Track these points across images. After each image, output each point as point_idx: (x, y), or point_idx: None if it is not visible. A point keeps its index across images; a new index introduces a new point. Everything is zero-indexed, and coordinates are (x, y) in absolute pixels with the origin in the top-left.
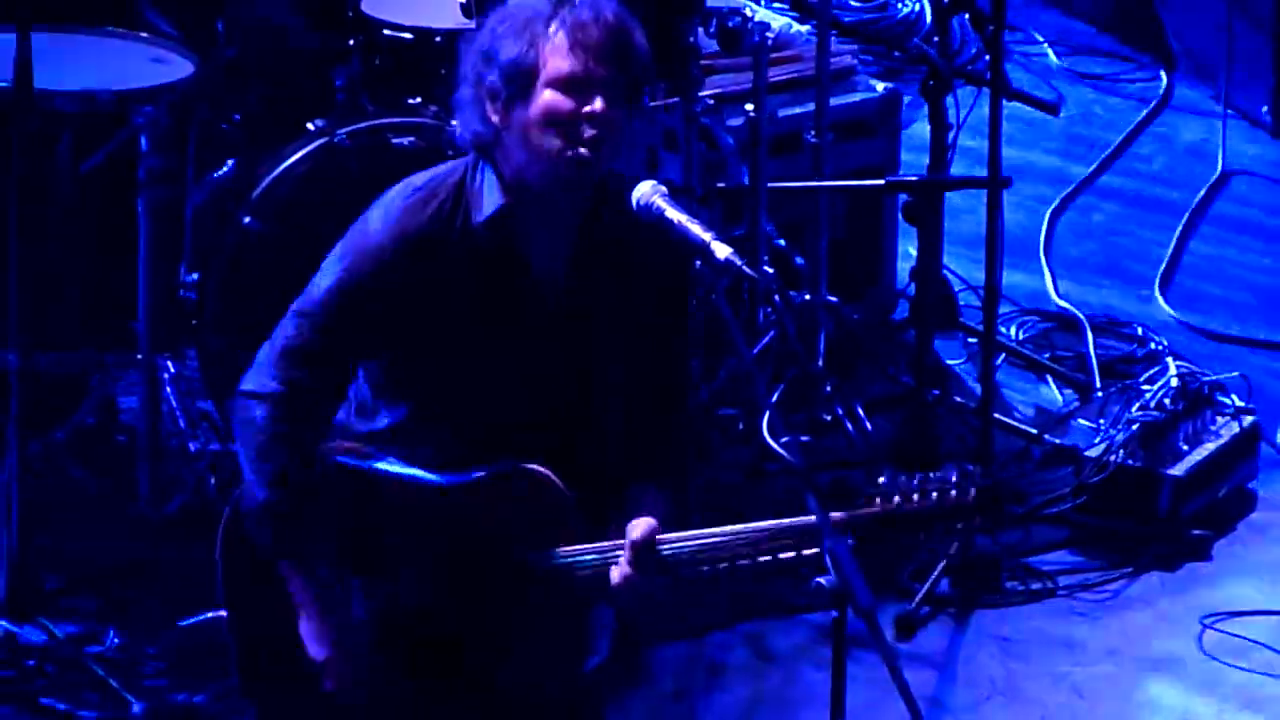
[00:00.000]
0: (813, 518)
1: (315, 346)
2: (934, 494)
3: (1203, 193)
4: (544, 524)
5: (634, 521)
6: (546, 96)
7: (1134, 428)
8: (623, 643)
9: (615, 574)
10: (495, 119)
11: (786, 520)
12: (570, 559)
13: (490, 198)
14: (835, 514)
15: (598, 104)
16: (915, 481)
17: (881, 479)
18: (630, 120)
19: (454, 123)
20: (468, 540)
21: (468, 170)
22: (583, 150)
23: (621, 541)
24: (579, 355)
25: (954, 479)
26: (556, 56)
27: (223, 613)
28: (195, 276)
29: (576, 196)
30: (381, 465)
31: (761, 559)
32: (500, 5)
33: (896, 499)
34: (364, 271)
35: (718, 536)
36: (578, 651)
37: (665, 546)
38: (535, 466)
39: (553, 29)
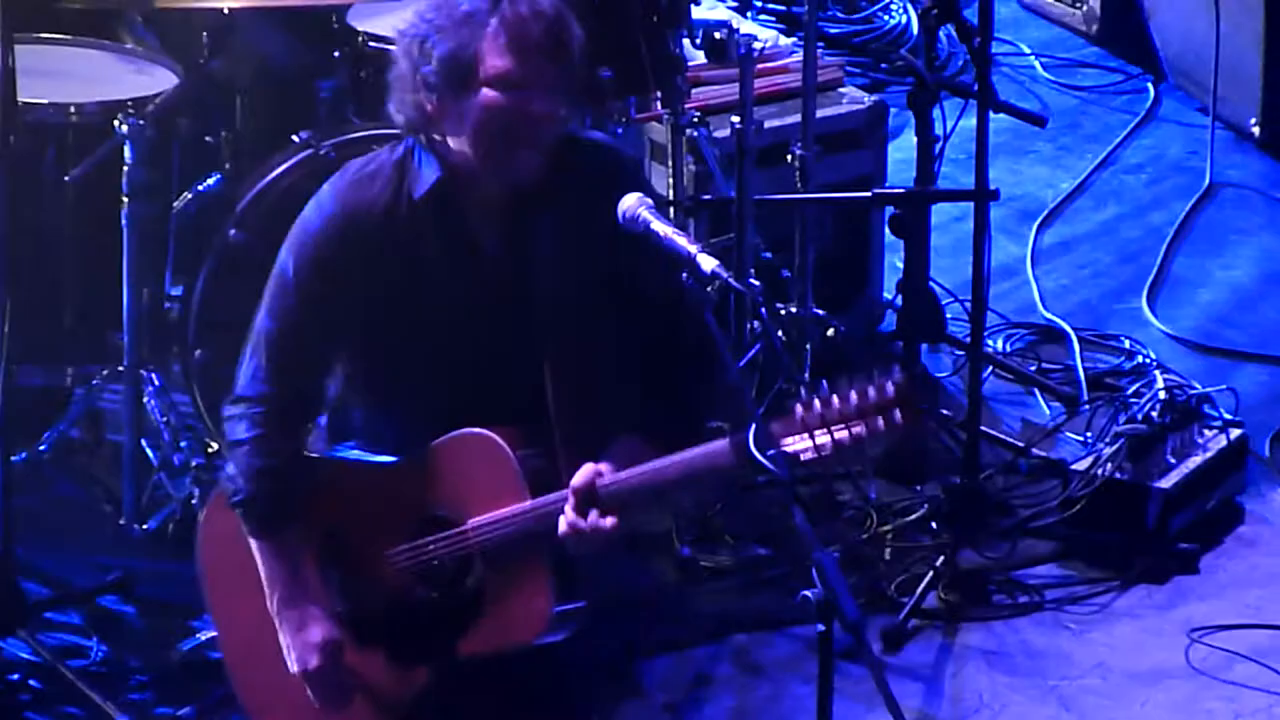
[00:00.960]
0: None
1: (291, 346)
2: (866, 391)
3: (1190, 205)
4: (493, 486)
5: (580, 469)
6: (485, 95)
7: (1121, 441)
8: (615, 657)
9: (561, 523)
10: (429, 108)
11: (708, 446)
12: (508, 518)
13: (428, 172)
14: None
15: (536, 104)
16: (833, 407)
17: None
18: (567, 113)
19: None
20: (425, 513)
21: (407, 150)
22: (521, 156)
23: (562, 493)
24: (534, 319)
25: (869, 392)
26: (494, 54)
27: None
28: (180, 289)
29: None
30: (344, 454)
31: (695, 484)
32: None
33: (817, 408)
34: (311, 256)
35: (651, 468)
36: (544, 602)
37: (606, 486)
38: (475, 430)
39: (491, 25)
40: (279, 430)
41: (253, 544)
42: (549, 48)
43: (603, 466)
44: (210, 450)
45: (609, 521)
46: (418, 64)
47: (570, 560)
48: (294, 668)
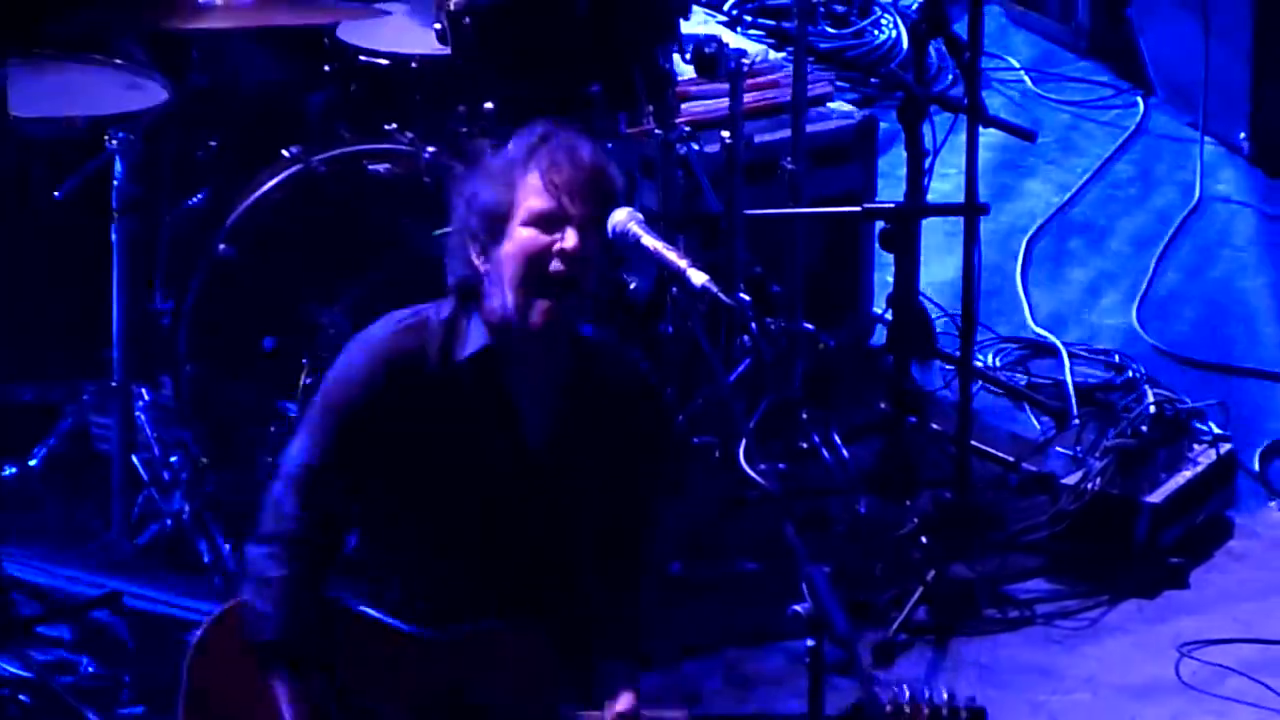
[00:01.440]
0: None
1: (319, 487)
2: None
3: (1180, 219)
4: (529, 684)
5: (619, 696)
6: (521, 234)
7: (1111, 455)
8: None
9: None
10: (476, 261)
11: None
12: None
13: (475, 336)
14: None
15: (570, 239)
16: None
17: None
18: (604, 254)
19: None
20: (448, 696)
21: (456, 309)
22: (552, 300)
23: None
24: (557, 501)
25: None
26: (530, 195)
27: None
28: (170, 304)
29: (556, 345)
30: (364, 609)
31: None
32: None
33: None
34: (353, 396)
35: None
36: None
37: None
38: (523, 626)
39: (528, 170)
40: (309, 571)
41: (277, 686)
42: (584, 188)
43: (631, 698)
44: (200, 465)
45: None
46: (465, 219)
47: None
48: None
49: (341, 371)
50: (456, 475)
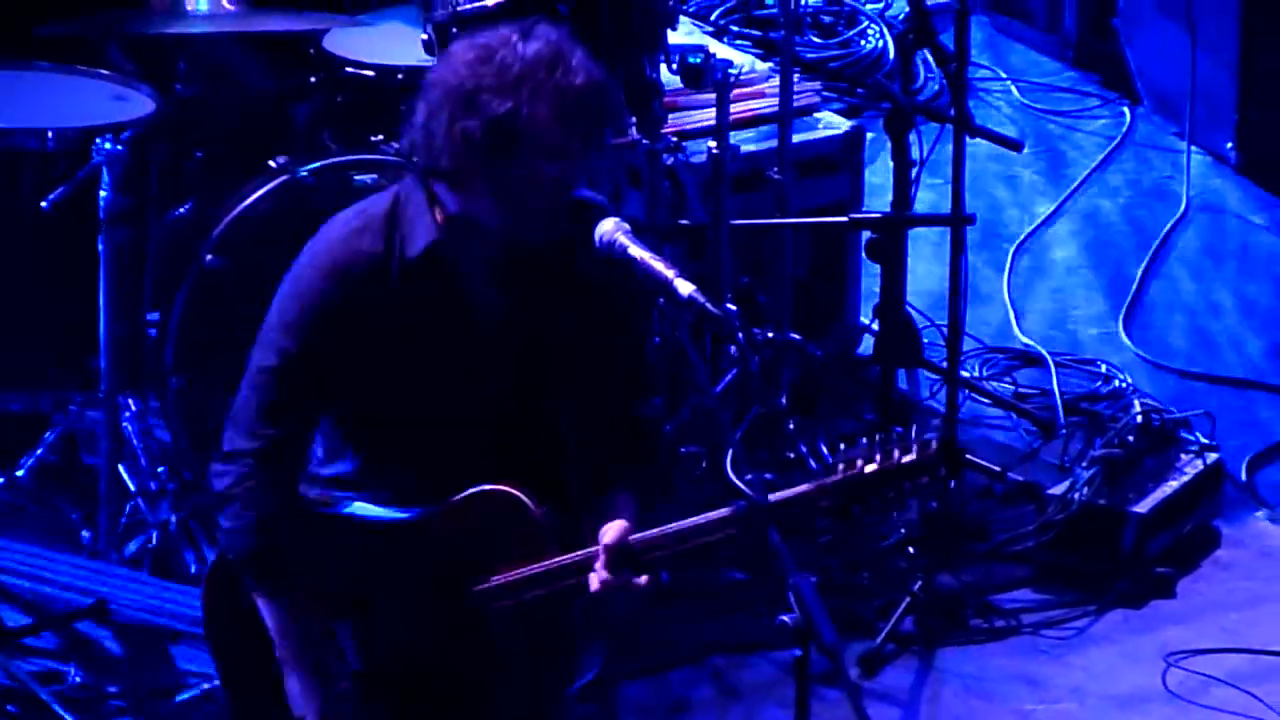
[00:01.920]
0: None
1: (281, 397)
2: (894, 452)
3: (1167, 229)
4: (517, 542)
5: (606, 526)
6: (533, 162)
7: (1098, 465)
8: (593, 681)
9: (593, 580)
10: (463, 162)
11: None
12: (537, 579)
13: (422, 230)
14: (801, 486)
15: (580, 172)
16: (875, 444)
17: (841, 446)
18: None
19: (399, 144)
20: (444, 570)
21: (396, 200)
22: (552, 220)
23: (591, 550)
24: (530, 373)
25: (911, 436)
26: (549, 124)
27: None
28: (157, 314)
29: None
30: (351, 509)
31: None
32: (477, 37)
33: (858, 462)
34: (307, 305)
35: (679, 526)
36: (567, 670)
37: (639, 542)
38: (500, 487)
39: (546, 94)
40: (272, 479)
41: (260, 602)
42: (598, 117)
43: (624, 524)
44: (186, 484)
45: (643, 579)
46: (457, 116)
47: (591, 617)
48: (303, 714)
49: (295, 283)
50: (419, 364)
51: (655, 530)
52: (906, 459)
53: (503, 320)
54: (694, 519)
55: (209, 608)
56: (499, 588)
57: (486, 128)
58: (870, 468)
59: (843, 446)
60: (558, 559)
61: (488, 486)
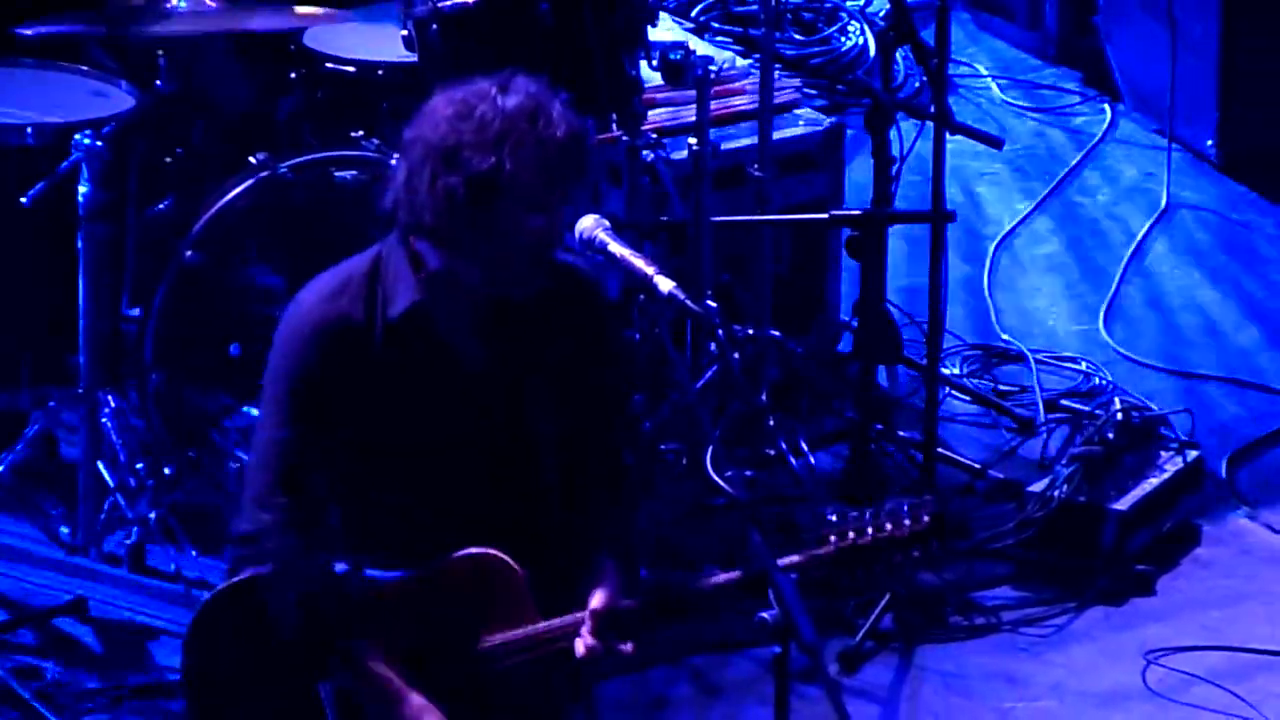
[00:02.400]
0: (750, 569)
1: (286, 466)
2: (886, 525)
3: (1147, 226)
4: (501, 606)
5: (594, 592)
6: (516, 216)
7: (1078, 463)
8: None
9: (579, 646)
10: (446, 219)
11: (732, 574)
12: (525, 643)
13: (403, 291)
14: (792, 557)
15: (557, 221)
16: (866, 515)
17: (831, 516)
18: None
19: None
20: (432, 634)
21: (377, 260)
22: (532, 274)
23: (577, 615)
24: (515, 421)
25: (904, 508)
26: (531, 177)
27: None
28: (137, 311)
29: None
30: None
31: (714, 606)
32: (455, 92)
33: (850, 534)
34: (292, 380)
35: (671, 593)
36: None
37: (627, 611)
38: (483, 550)
39: (528, 147)
40: (302, 542)
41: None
42: (578, 169)
43: (608, 590)
44: (165, 474)
45: (628, 646)
46: (439, 173)
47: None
48: None
49: (279, 352)
50: (410, 418)
51: (641, 598)
52: (899, 533)
53: (485, 371)
54: (688, 587)
55: (193, 665)
56: (497, 648)
57: (469, 184)
58: (862, 541)
59: (833, 518)
60: (547, 623)
61: (474, 550)
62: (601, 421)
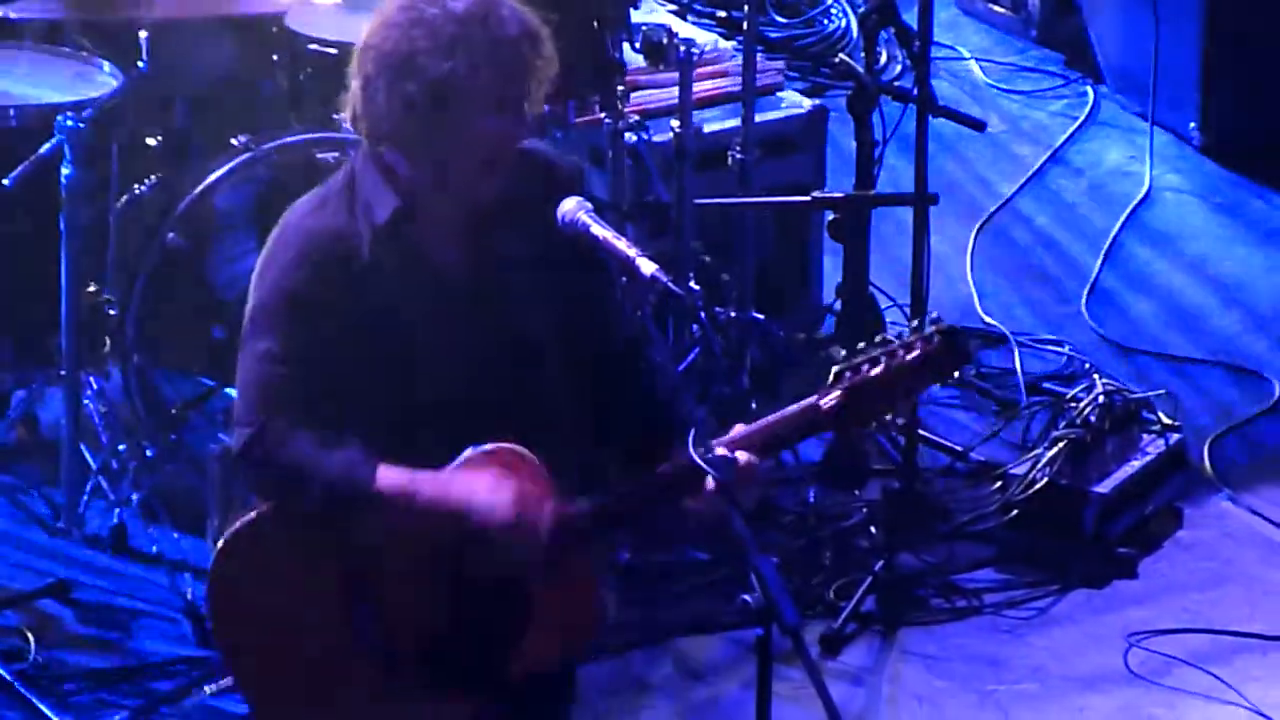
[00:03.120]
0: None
1: (279, 387)
2: (902, 352)
3: (1129, 209)
4: (528, 496)
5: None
6: (476, 120)
7: (1060, 445)
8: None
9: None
10: (406, 126)
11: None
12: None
13: (383, 197)
14: (831, 394)
15: (523, 126)
16: (878, 348)
17: (841, 352)
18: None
19: (343, 116)
20: (457, 539)
21: (351, 175)
22: (496, 177)
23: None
24: (506, 321)
25: (914, 333)
26: (490, 79)
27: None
28: (118, 293)
29: None
30: None
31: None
32: (406, 1)
33: (865, 368)
34: (287, 290)
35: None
36: (593, 617)
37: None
38: (500, 445)
39: (483, 50)
40: (306, 439)
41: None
42: (537, 67)
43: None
44: (147, 455)
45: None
46: (395, 81)
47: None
48: (499, 516)
49: (270, 272)
50: (401, 326)
51: (755, 424)
52: (912, 357)
53: (470, 274)
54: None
55: (219, 593)
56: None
57: (426, 91)
58: (876, 370)
59: (843, 353)
60: (663, 471)
61: (488, 446)
62: (599, 309)
